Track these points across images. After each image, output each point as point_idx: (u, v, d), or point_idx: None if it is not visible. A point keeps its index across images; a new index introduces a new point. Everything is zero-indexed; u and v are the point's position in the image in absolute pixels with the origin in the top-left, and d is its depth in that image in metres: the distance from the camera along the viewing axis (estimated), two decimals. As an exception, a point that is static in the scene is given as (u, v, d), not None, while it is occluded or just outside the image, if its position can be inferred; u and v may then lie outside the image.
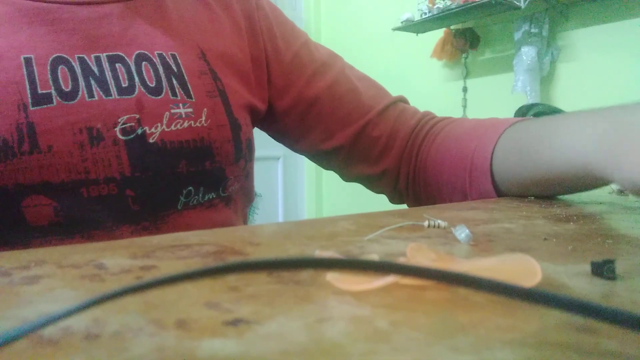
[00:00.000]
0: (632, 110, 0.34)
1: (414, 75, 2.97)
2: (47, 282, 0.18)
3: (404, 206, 0.59)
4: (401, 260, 0.19)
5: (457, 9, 2.43)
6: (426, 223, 0.32)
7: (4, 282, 0.18)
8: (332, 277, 0.18)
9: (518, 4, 2.29)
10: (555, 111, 1.48)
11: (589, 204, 0.45)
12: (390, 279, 0.17)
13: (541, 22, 2.43)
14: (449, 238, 0.28)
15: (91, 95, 0.40)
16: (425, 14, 2.57)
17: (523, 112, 1.30)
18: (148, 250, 0.24)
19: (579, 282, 0.19)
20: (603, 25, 2.29)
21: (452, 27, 2.74)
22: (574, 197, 0.48)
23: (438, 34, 2.79)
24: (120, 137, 0.40)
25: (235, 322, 0.14)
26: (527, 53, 2.41)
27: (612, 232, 0.32)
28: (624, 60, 2.23)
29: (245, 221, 0.56)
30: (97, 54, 0.42)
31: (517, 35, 2.49)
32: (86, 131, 0.39)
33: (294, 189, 2.98)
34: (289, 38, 0.56)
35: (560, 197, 0.48)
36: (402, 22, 2.68)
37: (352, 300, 0.16)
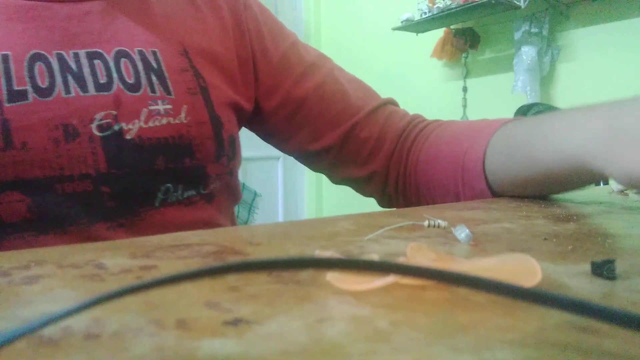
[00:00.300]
0: (628, 105, 0.34)
1: (414, 75, 2.97)
2: (47, 282, 0.18)
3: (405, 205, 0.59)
4: (401, 260, 0.19)
5: (457, 9, 2.43)
6: (426, 223, 0.32)
7: (4, 282, 0.18)
8: (332, 277, 0.18)
9: (518, 3, 2.29)
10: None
11: (589, 204, 0.45)
12: (390, 279, 0.17)
13: (541, 21, 2.43)
14: (449, 238, 0.28)
15: (68, 91, 0.40)
16: (425, 13, 2.57)
17: (523, 111, 1.30)
18: (148, 250, 0.24)
19: (579, 282, 0.19)
20: (603, 25, 2.29)
21: (452, 26, 2.74)
22: (574, 197, 0.48)
23: (438, 34, 2.79)
24: (97, 133, 0.40)
25: (235, 322, 0.14)
26: (527, 53, 2.41)
27: (612, 232, 0.32)
28: (624, 60, 2.23)
29: (232, 220, 0.55)
30: (76, 51, 0.42)
31: (517, 35, 2.49)
32: (62, 127, 0.39)
33: (294, 189, 2.98)
34: (277, 38, 0.56)
35: (560, 197, 0.48)
36: (402, 22, 2.68)
37: (352, 300, 0.16)
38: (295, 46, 0.57)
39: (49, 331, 0.13)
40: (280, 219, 2.92)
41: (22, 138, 0.37)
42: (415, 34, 2.82)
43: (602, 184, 1.39)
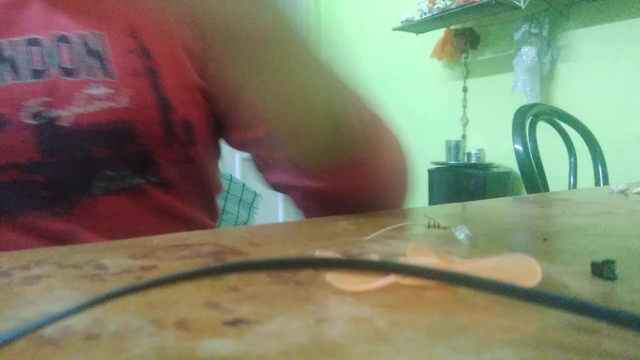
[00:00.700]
0: None
1: (414, 75, 2.97)
2: (47, 282, 0.18)
3: (405, 206, 0.59)
4: (401, 260, 0.19)
5: (457, 9, 2.43)
6: (427, 223, 0.32)
7: (4, 282, 0.18)
8: (332, 277, 0.18)
9: (518, 3, 2.29)
10: (555, 111, 1.48)
11: (589, 204, 0.45)
12: (390, 279, 0.17)
13: (541, 22, 2.43)
14: (449, 238, 0.28)
15: (1, 79, 0.39)
16: (425, 14, 2.57)
17: (523, 112, 1.30)
18: (148, 250, 0.24)
19: (579, 283, 0.19)
20: (603, 25, 2.29)
21: (452, 27, 2.74)
22: (574, 197, 0.48)
23: (438, 34, 2.79)
24: (29, 121, 0.38)
25: (235, 322, 0.14)
26: (527, 53, 2.41)
27: (612, 232, 0.32)
28: (623, 59, 2.23)
29: (211, 211, 0.52)
30: (14, 38, 0.40)
31: (517, 35, 2.49)
32: None
33: (294, 189, 2.97)
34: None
35: (560, 197, 0.48)
36: (402, 22, 2.68)
37: (352, 300, 0.16)
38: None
39: (49, 331, 0.13)
40: (280, 219, 2.92)
41: None
42: (415, 34, 2.82)
43: (602, 184, 1.39)
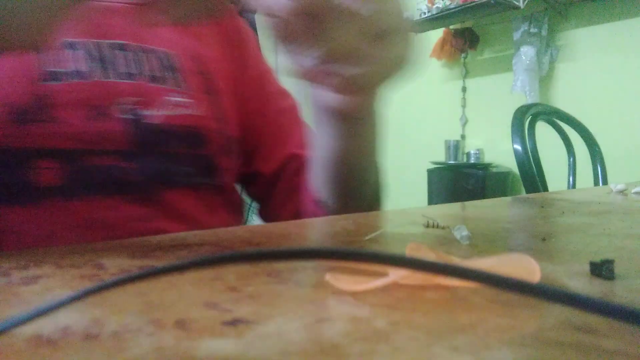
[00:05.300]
0: None
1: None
2: (46, 282, 0.18)
3: (404, 206, 0.59)
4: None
5: (456, 9, 2.43)
6: (426, 223, 0.32)
7: (3, 282, 0.18)
8: (331, 278, 0.18)
9: (517, 3, 2.29)
10: (554, 111, 1.48)
11: (588, 204, 0.45)
12: (389, 279, 0.17)
13: (540, 22, 2.43)
14: (449, 238, 0.28)
15: (106, 76, 0.45)
16: (425, 13, 2.57)
17: (522, 111, 1.30)
18: (147, 250, 0.24)
19: (578, 282, 0.19)
20: (602, 25, 2.29)
21: (451, 27, 2.74)
22: (574, 197, 0.48)
23: (437, 34, 2.79)
24: (123, 116, 0.44)
25: (234, 322, 0.14)
26: (526, 53, 2.41)
27: (611, 232, 0.32)
28: (622, 59, 2.23)
29: (242, 220, 0.58)
30: (105, 41, 0.46)
31: (516, 35, 2.49)
32: (94, 108, 0.43)
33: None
34: (258, 56, 0.61)
35: (560, 197, 0.48)
36: (401, 22, 2.66)
37: (351, 300, 0.16)
38: (270, 70, 0.62)
39: (48, 331, 0.13)
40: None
41: (59, 113, 0.41)
42: (414, 34, 2.81)
43: (601, 184, 1.40)
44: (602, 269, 0.20)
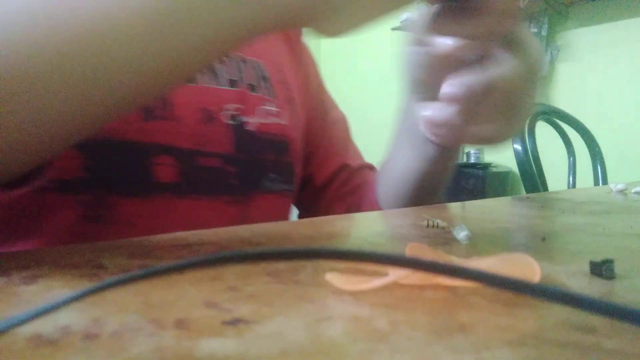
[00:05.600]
0: None
1: (413, 75, 2.97)
2: (45, 282, 0.18)
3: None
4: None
5: (456, 9, 2.42)
6: (426, 223, 0.32)
7: (3, 282, 0.18)
8: (331, 277, 0.18)
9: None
10: (554, 110, 1.48)
11: (588, 204, 0.45)
12: (389, 278, 0.17)
13: (540, 21, 2.43)
14: (449, 238, 0.28)
15: (207, 82, 0.47)
16: (425, 13, 2.56)
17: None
18: (147, 249, 0.24)
19: (578, 282, 0.19)
20: (602, 25, 2.29)
21: (451, 26, 2.74)
22: (573, 197, 0.48)
23: (437, 34, 2.78)
24: (228, 121, 0.47)
25: (234, 322, 0.14)
26: (527, 53, 2.41)
27: (611, 232, 0.32)
28: (622, 59, 2.23)
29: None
30: None
31: (516, 35, 2.49)
32: (206, 111, 0.45)
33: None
34: (316, 71, 0.65)
35: (559, 197, 0.48)
36: (401, 22, 2.67)
37: (351, 300, 0.16)
38: (323, 85, 0.65)
39: (48, 331, 0.13)
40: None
41: (180, 112, 0.44)
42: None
43: (601, 184, 1.39)
44: (602, 269, 0.20)
